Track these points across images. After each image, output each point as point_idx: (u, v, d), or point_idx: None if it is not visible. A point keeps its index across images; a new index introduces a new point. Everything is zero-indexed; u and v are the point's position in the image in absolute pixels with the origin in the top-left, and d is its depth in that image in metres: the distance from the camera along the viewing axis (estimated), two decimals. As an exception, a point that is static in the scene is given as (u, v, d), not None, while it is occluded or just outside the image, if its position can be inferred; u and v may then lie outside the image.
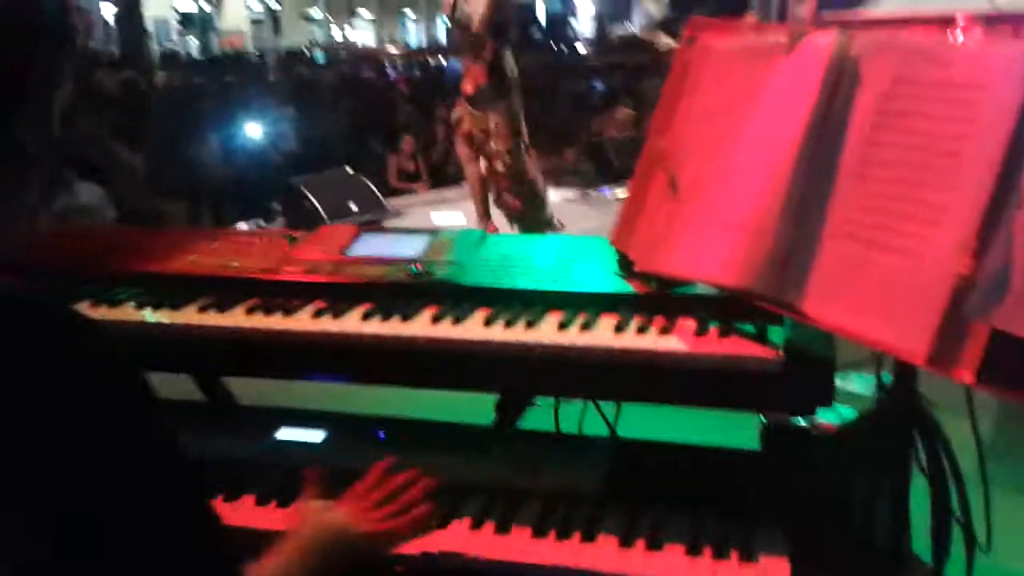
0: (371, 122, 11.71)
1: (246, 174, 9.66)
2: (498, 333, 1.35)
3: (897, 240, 1.11)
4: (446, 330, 1.38)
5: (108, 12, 21.43)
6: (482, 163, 6.20)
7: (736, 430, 1.54)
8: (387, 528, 1.11)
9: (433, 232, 1.70)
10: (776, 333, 1.30)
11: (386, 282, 1.54)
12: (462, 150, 6.38)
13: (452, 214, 8.67)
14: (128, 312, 1.52)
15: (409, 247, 1.64)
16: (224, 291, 1.57)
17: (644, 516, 1.27)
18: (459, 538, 1.24)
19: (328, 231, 1.75)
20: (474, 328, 1.38)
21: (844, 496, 1.42)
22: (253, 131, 9.89)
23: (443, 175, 11.54)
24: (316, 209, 7.52)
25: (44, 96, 0.81)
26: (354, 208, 7.78)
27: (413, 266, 1.57)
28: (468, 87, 5.97)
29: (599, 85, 12.50)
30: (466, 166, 6.51)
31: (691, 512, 1.28)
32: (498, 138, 5.96)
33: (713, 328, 1.34)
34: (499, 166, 6.01)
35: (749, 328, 1.33)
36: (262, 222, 8.04)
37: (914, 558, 1.46)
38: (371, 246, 1.66)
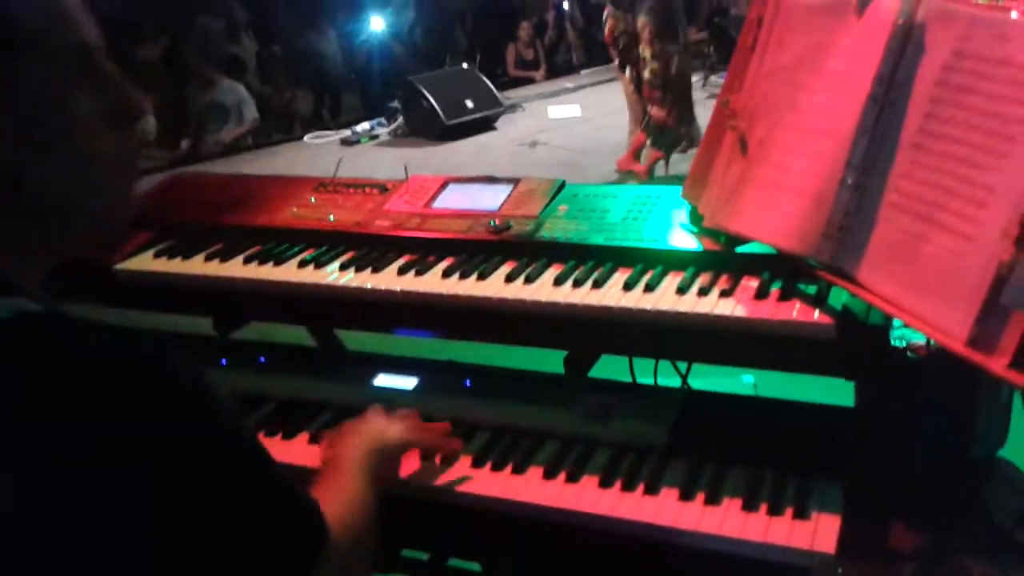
0: (490, 8, 11.58)
1: (367, 69, 9.81)
2: (564, 294, 1.43)
3: (948, 218, 1.12)
4: (516, 291, 1.46)
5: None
6: (628, 71, 5.74)
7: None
8: (419, 435, 1.34)
9: (514, 182, 1.77)
10: (837, 296, 1.33)
11: (467, 237, 1.63)
12: (614, 57, 5.88)
13: (568, 107, 8.62)
14: (237, 267, 1.68)
15: (490, 199, 1.73)
16: (321, 244, 1.71)
17: (705, 469, 1.34)
18: (534, 485, 1.35)
19: (418, 181, 1.84)
20: (543, 289, 1.46)
21: (933, 419, 1.42)
22: (376, 24, 9.94)
23: (556, 64, 11.36)
24: (433, 107, 7.64)
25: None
26: (470, 105, 7.86)
27: (492, 220, 1.66)
28: None
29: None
30: (618, 75, 6.01)
31: (752, 465, 1.34)
32: (645, 42, 5.43)
33: (775, 290, 1.37)
34: (646, 74, 5.51)
35: (810, 290, 1.35)
36: (383, 121, 8.23)
37: (1005, 465, 1.47)
38: (455, 198, 1.75)
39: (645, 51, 5.49)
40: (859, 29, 1.28)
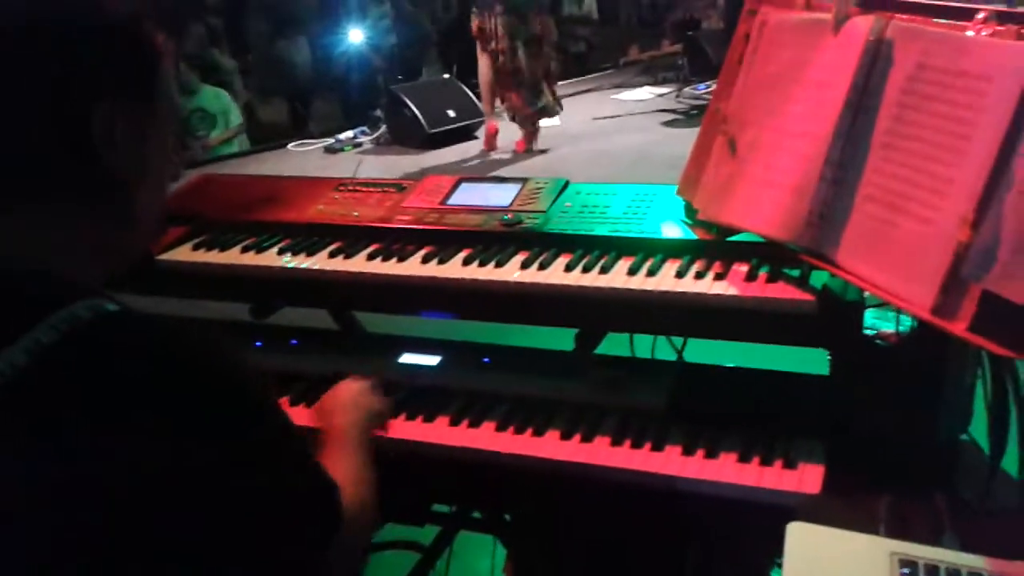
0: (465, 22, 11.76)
1: (346, 79, 9.93)
2: (575, 278, 1.61)
3: (914, 207, 1.30)
4: (532, 276, 1.64)
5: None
6: (486, 59, 6.95)
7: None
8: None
9: (522, 181, 1.94)
10: (817, 277, 1.51)
11: (482, 230, 1.80)
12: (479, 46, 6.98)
13: (547, 121, 8.77)
14: (272, 258, 1.84)
15: (501, 196, 1.90)
16: (348, 237, 1.87)
17: (703, 430, 1.51)
18: (553, 445, 1.52)
19: (433, 181, 2.01)
20: (555, 274, 1.63)
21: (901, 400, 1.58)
22: (354, 35, 10.05)
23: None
24: (416, 116, 7.80)
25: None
26: (452, 115, 8.03)
27: (505, 215, 1.83)
28: None
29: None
30: (479, 60, 7.13)
31: (744, 426, 1.52)
32: (499, 38, 6.67)
33: (762, 273, 1.55)
34: (497, 65, 6.81)
35: (794, 273, 1.54)
36: (366, 130, 8.38)
37: (969, 446, 1.64)
38: (468, 196, 1.92)
39: (498, 45, 6.78)
40: (835, 45, 1.47)
